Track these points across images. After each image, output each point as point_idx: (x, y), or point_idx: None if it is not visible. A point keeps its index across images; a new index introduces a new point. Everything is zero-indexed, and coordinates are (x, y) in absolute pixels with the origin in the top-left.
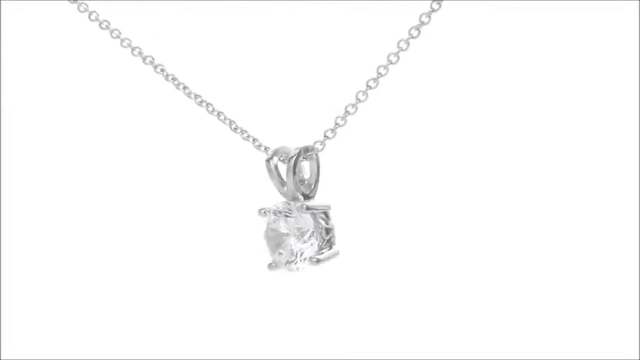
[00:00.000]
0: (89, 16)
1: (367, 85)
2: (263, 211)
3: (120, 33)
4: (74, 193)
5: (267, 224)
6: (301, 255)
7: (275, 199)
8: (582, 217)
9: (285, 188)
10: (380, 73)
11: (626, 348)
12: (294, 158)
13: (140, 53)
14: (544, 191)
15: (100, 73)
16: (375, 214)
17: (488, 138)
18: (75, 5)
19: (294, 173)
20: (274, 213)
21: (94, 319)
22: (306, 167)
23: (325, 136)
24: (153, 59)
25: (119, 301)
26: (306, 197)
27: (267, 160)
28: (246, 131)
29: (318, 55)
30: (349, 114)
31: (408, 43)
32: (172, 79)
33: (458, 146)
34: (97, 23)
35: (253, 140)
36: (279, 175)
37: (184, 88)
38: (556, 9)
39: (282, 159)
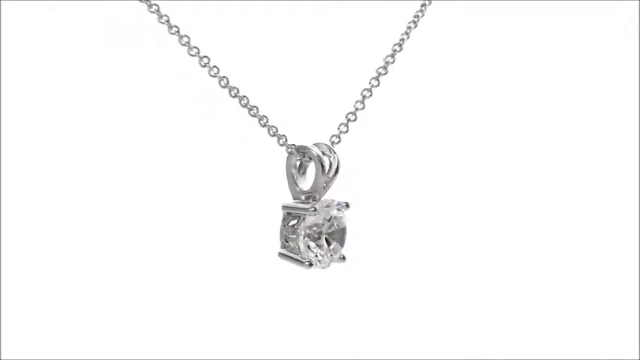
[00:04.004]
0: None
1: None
2: (313, 209)
3: (187, 39)
4: (79, 191)
5: (311, 223)
6: (335, 253)
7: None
8: (595, 223)
9: (325, 185)
10: (380, 73)
11: (626, 348)
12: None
13: (198, 54)
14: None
15: (106, 69)
16: (374, 214)
17: (489, 140)
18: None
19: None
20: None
21: (97, 319)
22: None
23: (340, 131)
24: (208, 60)
25: (126, 301)
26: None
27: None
28: (274, 127)
29: (316, 54)
30: (357, 110)
31: (401, 45)
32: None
33: (462, 147)
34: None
35: (279, 137)
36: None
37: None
38: (556, 9)
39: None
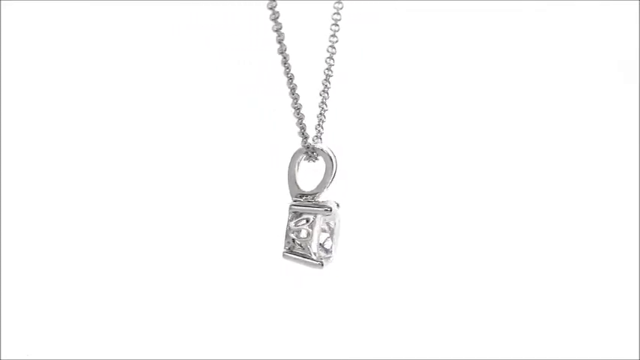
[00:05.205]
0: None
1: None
2: (329, 209)
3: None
4: (80, 190)
5: (324, 223)
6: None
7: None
8: (594, 223)
9: (328, 185)
10: (329, 74)
11: (626, 348)
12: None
13: (282, 52)
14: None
15: (116, 66)
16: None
17: (482, 140)
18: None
19: None
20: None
21: (99, 319)
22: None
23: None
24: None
25: (130, 302)
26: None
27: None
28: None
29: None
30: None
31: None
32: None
33: (457, 147)
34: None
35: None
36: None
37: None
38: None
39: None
